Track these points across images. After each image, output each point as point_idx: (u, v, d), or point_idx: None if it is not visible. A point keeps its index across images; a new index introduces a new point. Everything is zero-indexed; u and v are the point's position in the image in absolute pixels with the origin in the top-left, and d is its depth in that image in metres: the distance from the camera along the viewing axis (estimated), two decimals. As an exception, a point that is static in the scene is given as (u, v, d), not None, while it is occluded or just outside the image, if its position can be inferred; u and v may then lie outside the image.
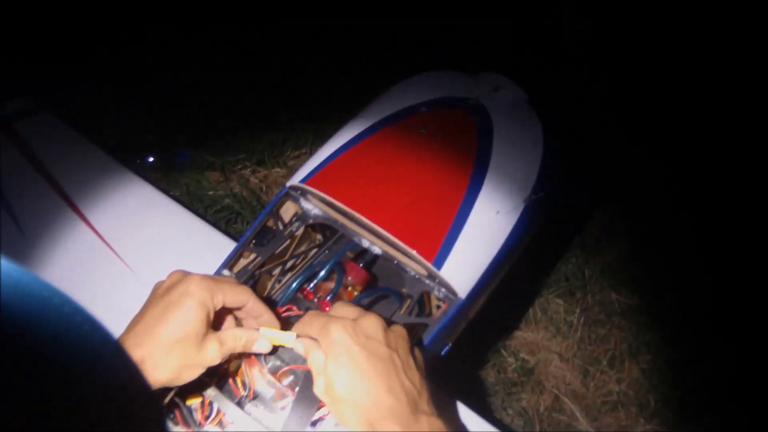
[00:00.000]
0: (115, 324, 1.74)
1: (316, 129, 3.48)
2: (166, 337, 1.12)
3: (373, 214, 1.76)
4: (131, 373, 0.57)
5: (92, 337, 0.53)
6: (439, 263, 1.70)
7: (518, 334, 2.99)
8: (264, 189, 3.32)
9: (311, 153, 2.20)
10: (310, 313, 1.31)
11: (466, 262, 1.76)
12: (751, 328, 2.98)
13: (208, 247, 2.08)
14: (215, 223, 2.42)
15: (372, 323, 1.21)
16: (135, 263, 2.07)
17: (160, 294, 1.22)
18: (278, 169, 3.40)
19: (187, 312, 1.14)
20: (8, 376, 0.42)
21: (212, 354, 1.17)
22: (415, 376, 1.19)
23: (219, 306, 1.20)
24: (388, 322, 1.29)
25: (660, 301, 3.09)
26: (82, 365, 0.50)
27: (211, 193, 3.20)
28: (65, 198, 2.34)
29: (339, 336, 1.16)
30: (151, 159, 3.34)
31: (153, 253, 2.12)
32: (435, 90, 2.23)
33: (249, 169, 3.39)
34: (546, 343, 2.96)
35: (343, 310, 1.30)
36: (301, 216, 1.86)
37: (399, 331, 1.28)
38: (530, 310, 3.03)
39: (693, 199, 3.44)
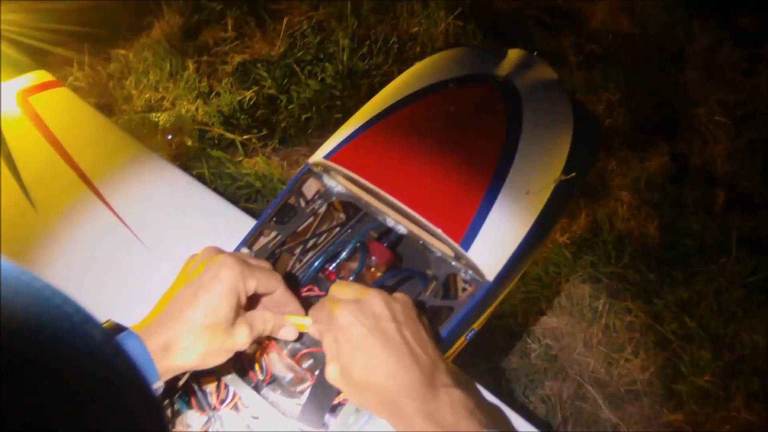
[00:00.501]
0: (130, 299, 1.71)
1: (339, 107, 3.45)
2: (195, 322, 1.08)
3: (398, 191, 1.70)
4: (132, 371, 0.57)
5: (92, 336, 0.53)
6: (466, 244, 1.64)
7: (543, 319, 2.94)
8: (285, 166, 3.29)
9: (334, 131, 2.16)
10: (322, 299, 1.27)
11: (495, 243, 1.70)
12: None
13: (226, 223, 2.04)
14: (234, 200, 2.39)
15: (376, 301, 1.18)
16: (150, 240, 2.03)
17: (191, 274, 1.18)
18: (299, 147, 3.37)
19: (219, 298, 1.10)
20: (9, 375, 0.42)
21: (241, 339, 1.14)
22: (428, 347, 1.17)
23: (251, 292, 1.16)
24: (390, 292, 1.26)
25: (689, 287, 3.02)
26: (82, 364, 0.50)
27: (230, 170, 3.17)
28: (80, 174, 2.32)
29: (347, 320, 1.13)
30: (170, 136, 3.32)
31: (169, 230, 2.09)
32: (463, 66, 2.16)
33: (270, 147, 3.35)
34: (570, 330, 2.91)
35: (342, 290, 1.27)
36: (324, 193, 1.80)
37: (404, 302, 1.24)
38: (555, 295, 2.98)
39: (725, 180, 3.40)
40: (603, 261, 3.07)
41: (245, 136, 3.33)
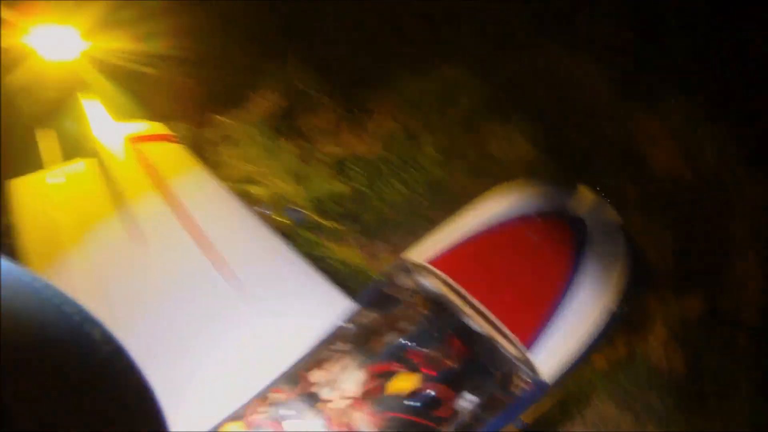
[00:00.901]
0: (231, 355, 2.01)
1: (424, 216, 3.74)
2: None
3: (485, 298, 2.08)
4: (133, 372, 0.58)
5: (92, 336, 0.55)
6: (532, 348, 2.01)
7: (573, 428, 3.19)
8: (367, 257, 3.62)
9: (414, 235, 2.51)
10: None
11: (556, 352, 2.08)
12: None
13: (321, 297, 2.40)
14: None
15: None
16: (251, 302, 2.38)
17: None
18: (382, 243, 3.71)
19: None
20: (10, 373, 0.45)
21: None
22: None
23: None
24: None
25: (705, 420, 3.32)
26: (82, 363, 0.53)
27: (318, 251, 3.48)
28: (186, 226, 2.62)
29: None
30: (267, 212, 3.65)
31: (270, 296, 2.39)
32: (544, 202, 2.62)
33: (355, 238, 3.70)
34: None
35: None
36: (418, 289, 2.20)
37: None
38: (588, 414, 3.22)
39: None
40: (631, 383, 3.35)
41: (334, 224, 3.67)
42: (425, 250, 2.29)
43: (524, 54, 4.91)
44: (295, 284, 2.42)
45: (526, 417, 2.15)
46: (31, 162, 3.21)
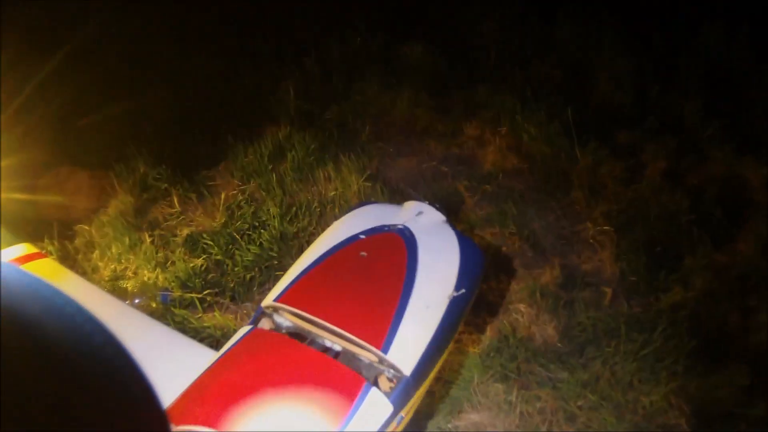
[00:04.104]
0: None
1: (277, 266, 4.05)
2: None
3: (332, 319, 2.36)
4: (134, 373, 0.60)
5: (93, 337, 0.57)
6: (386, 350, 2.30)
7: (465, 416, 3.47)
8: (238, 318, 3.82)
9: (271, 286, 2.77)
10: None
11: (408, 346, 2.36)
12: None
13: (190, 355, 2.62)
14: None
15: None
16: None
17: None
18: (247, 303, 3.94)
19: None
20: (12, 374, 0.46)
21: None
22: None
23: None
24: None
25: (587, 369, 3.63)
26: (83, 364, 0.54)
27: (193, 324, 3.70)
28: None
29: None
30: (138, 300, 3.87)
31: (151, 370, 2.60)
32: (370, 220, 2.85)
33: (223, 304, 3.93)
34: (491, 421, 3.46)
35: None
36: (277, 328, 2.47)
37: None
38: (473, 395, 3.53)
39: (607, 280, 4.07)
40: (510, 361, 3.64)
41: (201, 294, 3.89)
42: (274, 292, 2.55)
43: (345, 98, 5.28)
44: (169, 349, 2.63)
45: (403, 411, 2.42)
46: None
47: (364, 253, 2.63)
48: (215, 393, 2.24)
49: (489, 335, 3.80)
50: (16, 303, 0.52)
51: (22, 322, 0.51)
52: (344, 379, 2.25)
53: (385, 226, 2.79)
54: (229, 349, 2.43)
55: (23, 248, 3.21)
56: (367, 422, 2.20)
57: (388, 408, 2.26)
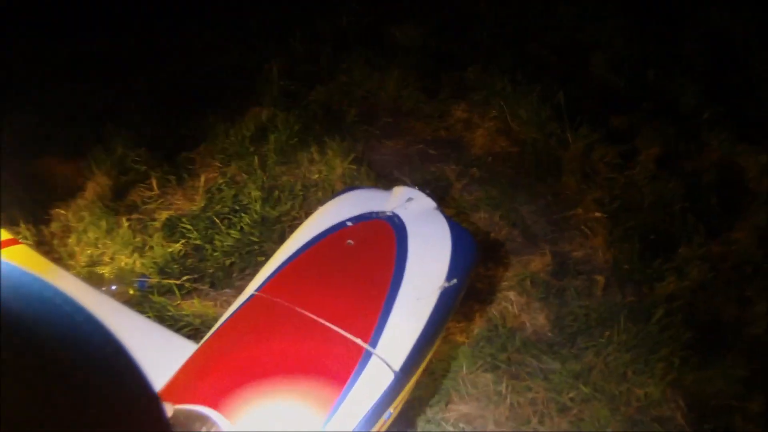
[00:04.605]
0: None
1: (258, 251, 3.94)
2: None
3: (318, 311, 2.24)
4: (134, 372, 0.60)
5: (93, 337, 0.57)
6: (374, 344, 2.18)
7: (454, 407, 3.38)
8: (217, 305, 3.70)
9: (254, 273, 2.65)
10: None
11: (397, 340, 2.24)
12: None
13: (168, 347, 2.48)
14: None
15: None
16: None
17: None
18: (228, 290, 3.82)
19: None
20: (11, 372, 0.45)
21: None
22: None
23: None
24: None
25: (579, 360, 3.55)
26: (83, 363, 0.54)
27: (171, 312, 3.58)
28: None
29: None
30: (114, 287, 3.75)
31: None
32: (357, 206, 2.70)
33: (203, 291, 3.81)
34: (480, 412, 3.36)
35: None
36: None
37: None
38: (462, 386, 3.44)
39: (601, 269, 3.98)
40: (499, 351, 3.56)
41: (180, 281, 3.78)
42: (256, 282, 2.43)
43: (331, 79, 5.14)
44: (143, 342, 2.51)
45: (391, 407, 2.31)
46: None
47: (350, 242, 2.50)
48: (213, 368, 2.16)
49: (478, 324, 3.70)
50: (15, 303, 0.50)
51: (20, 322, 0.50)
52: (344, 347, 2.16)
53: (373, 212, 2.66)
54: (227, 319, 2.33)
55: None
56: (368, 389, 2.12)
57: (389, 375, 2.17)
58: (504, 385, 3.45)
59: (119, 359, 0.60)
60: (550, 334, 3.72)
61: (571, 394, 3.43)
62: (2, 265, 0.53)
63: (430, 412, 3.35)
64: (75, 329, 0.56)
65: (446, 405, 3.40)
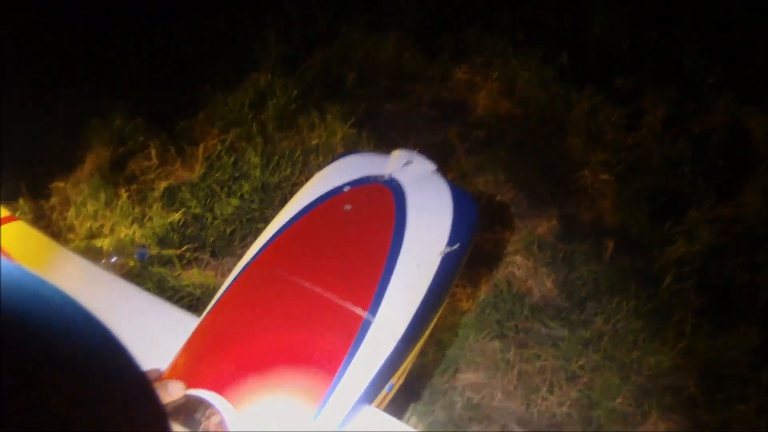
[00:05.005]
0: None
1: (259, 218, 3.86)
2: None
3: (315, 280, 2.15)
4: (134, 371, 0.60)
5: (93, 336, 0.57)
6: (373, 313, 2.10)
7: (461, 376, 3.33)
8: (218, 275, 3.65)
9: (253, 239, 2.57)
10: None
11: (396, 310, 2.15)
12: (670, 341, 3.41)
13: (170, 321, 2.41)
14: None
15: None
16: None
17: None
18: (228, 258, 3.74)
19: None
20: (11, 372, 0.45)
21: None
22: None
23: None
24: None
25: (588, 327, 3.48)
26: (83, 362, 0.53)
27: (171, 283, 3.53)
28: None
29: None
30: (114, 259, 3.69)
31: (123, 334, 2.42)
32: (355, 171, 2.61)
33: (204, 260, 3.75)
34: (488, 381, 3.31)
35: None
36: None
37: None
38: (469, 354, 3.38)
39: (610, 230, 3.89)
40: (506, 318, 3.49)
41: (180, 251, 3.71)
42: (251, 251, 2.34)
43: (330, 43, 5.02)
44: (143, 316, 2.44)
45: (393, 378, 2.24)
46: None
47: (348, 207, 2.41)
48: (214, 348, 2.09)
49: (484, 290, 3.62)
50: (15, 302, 0.50)
51: (20, 322, 0.49)
52: (342, 316, 2.09)
53: (371, 177, 2.55)
54: (226, 290, 2.26)
55: None
56: (368, 360, 2.05)
57: (390, 344, 2.10)
58: (512, 352, 3.39)
59: (119, 359, 0.59)
60: (558, 299, 3.64)
61: (580, 362, 3.37)
62: (2, 264, 0.52)
63: (436, 382, 3.29)
64: (74, 328, 0.55)
65: (453, 374, 3.34)
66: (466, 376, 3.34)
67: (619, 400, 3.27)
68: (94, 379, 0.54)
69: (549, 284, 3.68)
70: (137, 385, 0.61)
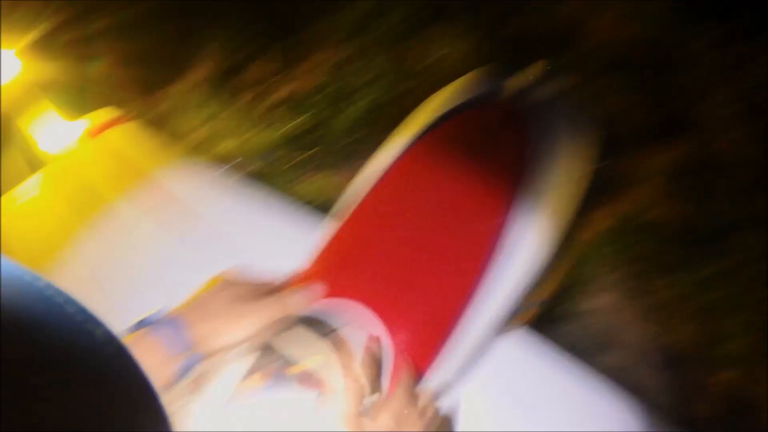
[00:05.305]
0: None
1: (381, 129, 3.72)
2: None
3: (450, 190, 2.02)
4: (135, 372, 0.59)
5: (95, 335, 0.56)
6: (521, 224, 1.97)
7: (594, 300, 3.26)
8: (341, 186, 3.58)
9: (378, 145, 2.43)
10: None
11: (544, 222, 2.02)
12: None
13: (295, 231, 2.39)
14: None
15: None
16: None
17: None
18: (353, 168, 3.63)
19: None
20: (10, 373, 0.45)
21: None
22: None
23: None
24: None
25: (724, 260, 3.30)
26: (84, 363, 0.53)
27: (291, 191, 3.49)
28: (158, 194, 2.60)
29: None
30: (231, 165, 3.65)
31: (245, 241, 2.39)
32: (481, 88, 2.34)
33: (324, 170, 3.67)
34: (621, 307, 3.25)
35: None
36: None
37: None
38: (602, 278, 3.30)
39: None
40: (635, 245, 3.35)
41: (304, 155, 3.64)
42: (385, 158, 2.22)
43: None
44: (273, 225, 2.41)
45: (540, 296, 2.17)
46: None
47: (479, 122, 2.23)
48: (351, 255, 1.99)
49: (612, 217, 3.46)
50: (15, 302, 0.50)
51: (20, 322, 0.49)
52: (483, 224, 1.98)
53: (495, 94, 2.31)
54: (360, 196, 2.15)
55: (103, 114, 3.08)
56: (515, 274, 1.95)
57: (538, 257, 1.98)
58: (640, 280, 3.26)
59: (121, 358, 0.58)
60: (691, 230, 3.45)
61: (711, 295, 3.21)
62: (3, 264, 0.52)
63: (569, 305, 3.23)
64: (77, 329, 0.55)
65: (586, 297, 3.26)
66: (599, 301, 3.25)
67: (749, 338, 3.10)
68: (96, 379, 0.54)
69: (682, 213, 3.50)
70: (139, 384, 0.60)
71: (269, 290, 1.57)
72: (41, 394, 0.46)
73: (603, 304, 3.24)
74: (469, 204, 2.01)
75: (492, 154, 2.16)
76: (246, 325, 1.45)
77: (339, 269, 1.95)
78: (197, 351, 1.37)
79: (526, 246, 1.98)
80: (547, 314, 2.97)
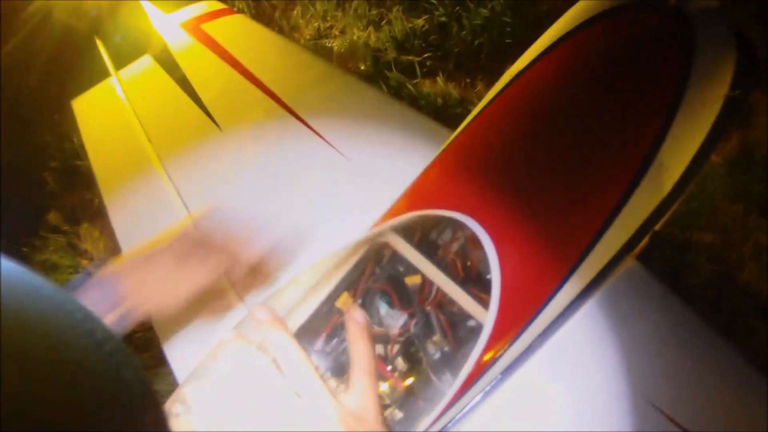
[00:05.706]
0: (332, 210, 1.92)
1: (509, 33, 3.60)
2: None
3: (583, 114, 1.93)
4: (134, 371, 0.59)
5: (94, 333, 0.56)
6: (650, 157, 1.89)
7: (697, 233, 3.17)
8: (462, 87, 3.54)
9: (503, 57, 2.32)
10: None
11: (674, 155, 1.94)
12: None
13: (419, 134, 2.28)
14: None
15: None
16: (347, 151, 2.29)
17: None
18: (474, 71, 3.60)
19: None
20: (10, 372, 0.44)
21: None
22: None
23: None
24: None
25: None
26: (83, 361, 0.53)
27: (409, 91, 3.46)
28: (267, 92, 2.55)
29: None
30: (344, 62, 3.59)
31: (365, 141, 2.32)
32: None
33: (445, 71, 3.60)
34: (726, 246, 3.15)
35: None
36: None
37: None
38: (713, 214, 3.19)
39: None
40: (754, 180, 3.21)
41: (421, 57, 3.58)
42: (513, 70, 2.11)
43: None
44: (390, 126, 2.35)
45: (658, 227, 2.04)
46: (96, 74, 3.19)
47: (623, 34, 2.11)
48: (469, 169, 1.91)
49: (736, 150, 3.33)
50: (15, 302, 0.49)
51: (20, 322, 0.48)
52: (616, 156, 1.91)
53: (650, 3, 2.18)
54: (483, 109, 2.06)
55: (207, 6, 3.04)
56: (642, 203, 1.88)
57: (663, 189, 1.91)
58: (752, 218, 3.15)
59: (120, 356, 0.57)
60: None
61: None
62: (2, 263, 0.52)
63: (678, 238, 3.13)
64: (76, 328, 0.54)
65: (691, 229, 3.16)
66: (703, 236, 3.15)
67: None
68: (95, 378, 0.53)
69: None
70: (138, 383, 0.59)
71: (216, 248, 1.44)
72: (41, 393, 0.46)
73: (712, 239, 3.15)
74: (625, 111, 1.93)
75: (654, 59, 2.06)
76: (177, 295, 1.37)
77: (452, 182, 1.89)
78: (125, 311, 1.31)
79: (671, 165, 1.89)
80: (656, 246, 2.93)
